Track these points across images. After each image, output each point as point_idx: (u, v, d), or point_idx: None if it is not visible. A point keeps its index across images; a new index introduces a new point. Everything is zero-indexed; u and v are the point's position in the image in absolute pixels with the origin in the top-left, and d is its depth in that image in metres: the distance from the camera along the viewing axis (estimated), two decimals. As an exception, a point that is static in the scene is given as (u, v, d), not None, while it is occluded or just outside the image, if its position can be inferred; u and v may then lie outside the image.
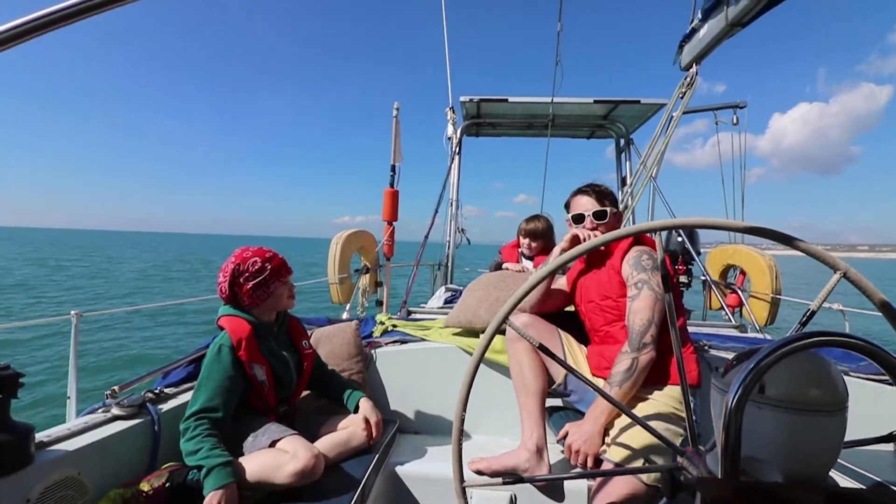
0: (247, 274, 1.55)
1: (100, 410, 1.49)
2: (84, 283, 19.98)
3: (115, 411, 1.47)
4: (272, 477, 1.34)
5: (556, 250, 1.76)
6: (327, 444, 1.57)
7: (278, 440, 1.44)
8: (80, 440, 1.31)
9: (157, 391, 1.66)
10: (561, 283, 1.88)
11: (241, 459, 1.39)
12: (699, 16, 2.40)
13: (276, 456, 1.39)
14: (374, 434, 1.67)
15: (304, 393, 1.83)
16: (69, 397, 1.80)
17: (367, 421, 1.68)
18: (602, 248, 1.67)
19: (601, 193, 1.74)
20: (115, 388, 1.53)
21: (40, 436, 1.25)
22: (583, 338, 1.77)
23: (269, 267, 1.59)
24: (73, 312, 1.92)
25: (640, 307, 1.45)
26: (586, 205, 1.73)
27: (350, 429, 1.66)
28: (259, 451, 1.42)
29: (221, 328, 1.55)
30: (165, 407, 1.61)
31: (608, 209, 1.70)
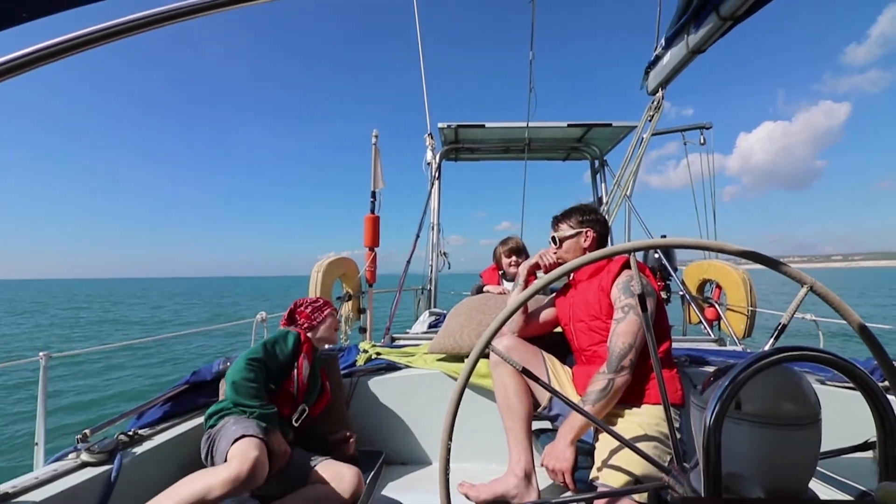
0: (306, 303, 1.95)
1: (70, 456, 1.42)
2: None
3: (85, 457, 1.39)
4: (206, 496, 1.28)
5: (522, 269, 1.85)
6: (316, 493, 1.56)
7: (240, 439, 1.41)
8: (47, 489, 1.24)
9: (130, 433, 1.59)
10: (548, 302, 1.89)
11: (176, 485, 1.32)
12: (662, 43, 2.52)
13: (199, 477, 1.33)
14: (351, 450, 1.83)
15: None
16: (37, 444, 1.71)
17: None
18: (589, 266, 1.70)
19: (555, 220, 1.84)
20: (87, 431, 1.46)
21: (5, 486, 1.19)
22: (566, 358, 1.78)
23: (322, 301, 1.99)
24: (41, 354, 1.84)
25: (624, 331, 1.47)
26: (551, 234, 1.83)
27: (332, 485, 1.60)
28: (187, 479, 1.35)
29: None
30: (139, 450, 1.53)
31: (556, 235, 1.79)
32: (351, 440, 1.85)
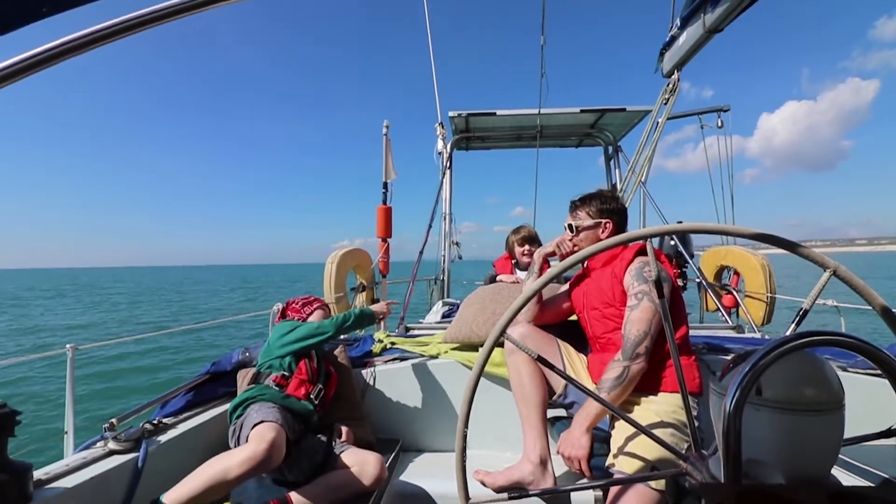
0: (297, 300, 2.15)
1: (98, 444, 1.46)
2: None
3: (112, 446, 1.44)
4: (225, 476, 1.31)
5: (537, 256, 1.82)
6: (340, 479, 1.58)
7: (259, 424, 1.44)
8: (78, 476, 1.28)
9: (155, 422, 1.64)
10: (563, 290, 1.88)
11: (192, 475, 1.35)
12: (678, 24, 2.45)
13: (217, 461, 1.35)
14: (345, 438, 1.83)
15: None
16: (66, 432, 1.77)
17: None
18: (603, 254, 1.68)
19: (573, 205, 1.80)
20: (114, 420, 1.51)
21: (38, 473, 1.23)
22: (581, 346, 1.77)
23: (312, 297, 2.19)
24: (68, 346, 1.90)
25: (638, 318, 1.45)
26: (568, 220, 1.80)
27: (356, 469, 1.62)
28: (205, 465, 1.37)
29: None
30: (164, 438, 1.58)
31: (574, 223, 1.76)
32: (344, 431, 1.84)
